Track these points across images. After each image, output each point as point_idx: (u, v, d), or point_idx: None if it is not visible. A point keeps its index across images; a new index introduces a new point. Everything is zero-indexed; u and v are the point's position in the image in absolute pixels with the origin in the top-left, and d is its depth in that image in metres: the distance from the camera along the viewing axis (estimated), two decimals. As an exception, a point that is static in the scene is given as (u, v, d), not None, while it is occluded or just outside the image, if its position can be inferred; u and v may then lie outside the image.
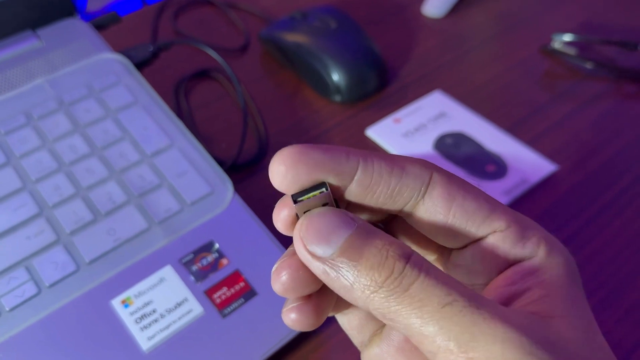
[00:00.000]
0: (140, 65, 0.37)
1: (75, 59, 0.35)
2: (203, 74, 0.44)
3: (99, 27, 0.39)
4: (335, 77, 0.40)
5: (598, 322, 0.28)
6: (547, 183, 0.35)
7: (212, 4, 0.51)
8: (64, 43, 0.36)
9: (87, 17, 0.50)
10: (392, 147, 0.38)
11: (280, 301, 0.27)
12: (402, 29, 0.47)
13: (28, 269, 0.27)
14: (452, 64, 0.44)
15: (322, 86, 0.41)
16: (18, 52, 0.35)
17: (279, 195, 0.38)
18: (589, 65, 0.43)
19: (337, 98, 0.41)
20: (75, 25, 0.37)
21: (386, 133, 0.39)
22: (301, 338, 0.28)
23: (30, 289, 0.26)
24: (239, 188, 0.36)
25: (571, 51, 0.43)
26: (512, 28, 0.47)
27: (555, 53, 0.44)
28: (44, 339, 0.25)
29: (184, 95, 0.42)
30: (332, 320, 0.29)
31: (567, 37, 0.43)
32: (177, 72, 0.43)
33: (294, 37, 0.42)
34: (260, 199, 0.35)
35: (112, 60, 0.35)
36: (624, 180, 0.36)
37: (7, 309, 0.26)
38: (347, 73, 0.40)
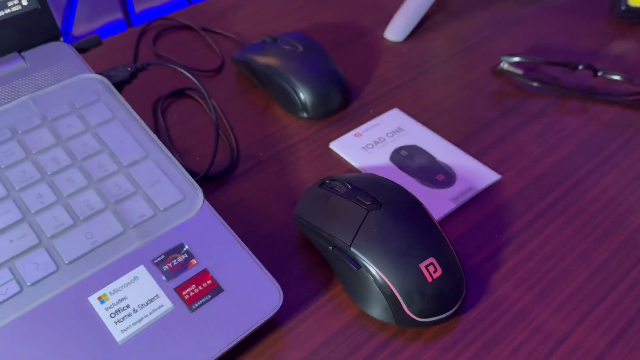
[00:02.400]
0: (120, 85, 0.40)
1: (58, 78, 0.38)
2: (179, 93, 0.47)
3: (82, 49, 0.42)
4: (303, 95, 0.44)
5: (536, 312, 0.31)
6: (491, 190, 0.39)
7: (190, 28, 0.54)
8: (48, 64, 0.38)
9: (70, 40, 0.53)
10: (353, 159, 0.41)
11: (244, 297, 0.30)
12: (365, 52, 0.51)
13: (11, 270, 0.29)
14: (409, 84, 0.48)
15: (290, 104, 0.45)
16: (4, 72, 0.37)
17: (248, 202, 0.42)
18: (535, 84, 0.47)
19: (304, 115, 0.45)
20: (59, 48, 0.40)
21: (348, 146, 0.42)
22: (263, 331, 0.31)
23: (12, 288, 0.29)
24: (211, 197, 0.39)
25: (518, 71, 0.47)
26: (465, 51, 0.51)
27: (504, 73, 0.48)
28: (25, 333, 0.27)
29: (161, 113, 0.45)
30: (292, 312, 0.32)
31: (515, 59, 0.47)
32: (155, 91, 0.47)
33: (264, 59, 0.46)
34: (231, 206, 0.38)
35: (93, 80, 0.38)
36: (561, 188, 0.39)
37: (-9, 306, 0.28)
38: (313, 92, 0.44)
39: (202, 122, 0.44)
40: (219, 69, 0.49)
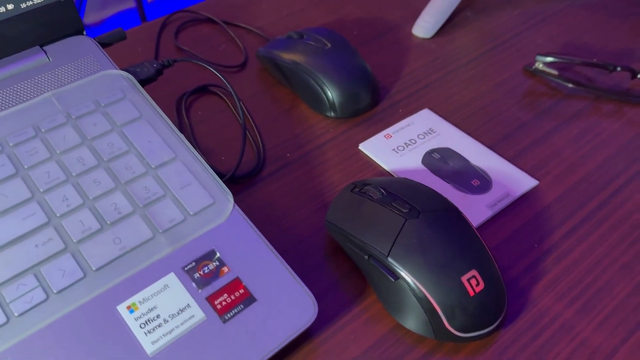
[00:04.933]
0: (145, 82, 0.38)
1: (82, 74, 0.37)
2: (203, 90, 0.45)
3: (105, 44, 0.40)
4: (330, 94, 0.42)
5: (579, 327, 0.30)
6: (528, 197, 0.37)
7: (212, 21, 0.53)
8: (71, 59, 0.37)
9: (93, 33, 0.51)
10: (383, 162, 0.40)
11: (277, 307, 0.29)
12: (393, 48, 0.50)
13: (36, 276, 0.28)
14: (439, 82, 0.46)
15: (317, 102, 0.43)
16: (26, 67, 0.36)
17: (275, 205, 0.40)
18: (570, 85, 0.45)
19: (331, 114, 0.43)
20: (82, 42, 0.38)
21: (378, 148, 0.41)
22: (298, 341, 0.30)
23: (38, 295, 0.28)
24: (237, 199, 0.37)
25: (553, 71, 0.46)
26: (496, 49, 0.50)
27: (537, 73, 0.46)
28: (52, 343, 0.26)
29: (184, 110, 0.43)
30: (325, 323, 0.31)
31: (549, 59, 0.46)
32: (179, 87, 0.45)
33: (290, 56, 0.44)
34: (259, 209, 0.37)
35: (118, 77, 0.37)
36: (601, 195, 0.38)
37: (16, 314, 0.27)
38: (341, 90, 0.42)
39: (227, 120, 0.43)
40: (243, 65, 0.48)
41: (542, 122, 0.43)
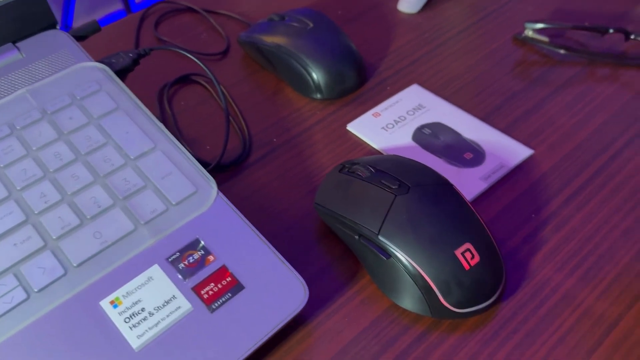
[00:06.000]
0: (122, 73, 0.37)
1: (56, 69, 0.36)
2: (185, 79, 0.44)
3: (80, 37, 0.39)
4: (315, 75, 0.41)
5: (582, 296, 0.29)
6: (524, 167, 0.36)
7: (192, 10, 0.51)
8: (44, 54, 0.36)
9: (67, 28, 0.50)
10: (373, 141, 0.39)
11: (267, 294, 0.28)
12: (378, 25, 0.48)
13: (16, 276, 0.27)
14: (427, 57, 0.45)
15: (302, 85, 0.42)
16: (-1, 65, 0.35)
17: (263, 191, 0.39)
18: (562, 51, 0.44)
19: (318, 96, 0.42)
20: (55, 37, 0.37)
21: (367, 127, 0.39)
22: (288, 328, 0.29)
23: (19, 295, 0.27)
24: (224, 187, 0.36)
25: (543, 38, 0.44)
26: (484, 19, 0.48)
27: (528, 41, 0.45)
28: (34, 343, 0.26)
29: (167, 100, 0.42)
30: (318, 308, 0.30)
31: (540, 25, 0.44)
32: (160, 78, 0.44)
33: (273, 39, 0.43)
34: (247, 196, 0.36)
35: (93, 69, 0.36)
36: (598, 161, 0.37)
37: (-2, 315, 0.26)
38: (326, 71, 0.41)
39: (211, 108, 0.42)
40: (225, 52, 0.47)
41: (535, 91, 0.42)
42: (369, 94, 0.42)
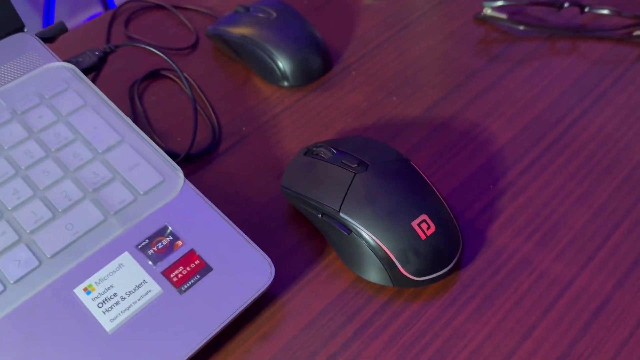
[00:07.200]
0: (89, 71, 0.38)
1: (25, 70, 0.36)
2: (155, 75, 0.45)
3: (48, 39, 0.40)
4: (281, 63, 0.42)
5: (538, 260, 0.30)
6: (482, 142, 0.37)
7: (162, 7, 0.52)
8: (12, 57, 0.37)
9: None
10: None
11: (234, 273, 0.29)
12: (342, 13, 0.49)
13: (-7, 269, 0.28)
14: (390, 41, 0.46)
15: (270, 74, 0.43)
16: (-32, 70, 0.36)
17: (233, 178, 0.40)
18: (521, 27, 0.45)
19: (285, 84, 0.43)
20: (23, 39, 0.38)
21: (332, 111, 0.40)
22: (259, 306, 0.30)
23: (-4, 287, 0.28)
24: (196, 176, 0.37)
25: (502, 16, 0.46)
26: (445, 1, 0.49)
27: (488, 19, 0.46)
28: (12, 332, 0.27)
29: (137, 96, 0.43)
30: (287, 285, 0.31)
31: (498, 3, 0.45)
32: (131, 75, 0.45)
33: (238, 30, 0.44)
34: (216, 184, 0.37)
35: (60, 68, 0.37)
36: (554, 131, 0.38)
37: (-23, 308, 0.27)
38: (291, 59, 0.42)
39: (181, 101, 0.43)
40: (194, 46, 0.48)
41: (494, 67, 0.43)
42: (335, 79, 0.44)
